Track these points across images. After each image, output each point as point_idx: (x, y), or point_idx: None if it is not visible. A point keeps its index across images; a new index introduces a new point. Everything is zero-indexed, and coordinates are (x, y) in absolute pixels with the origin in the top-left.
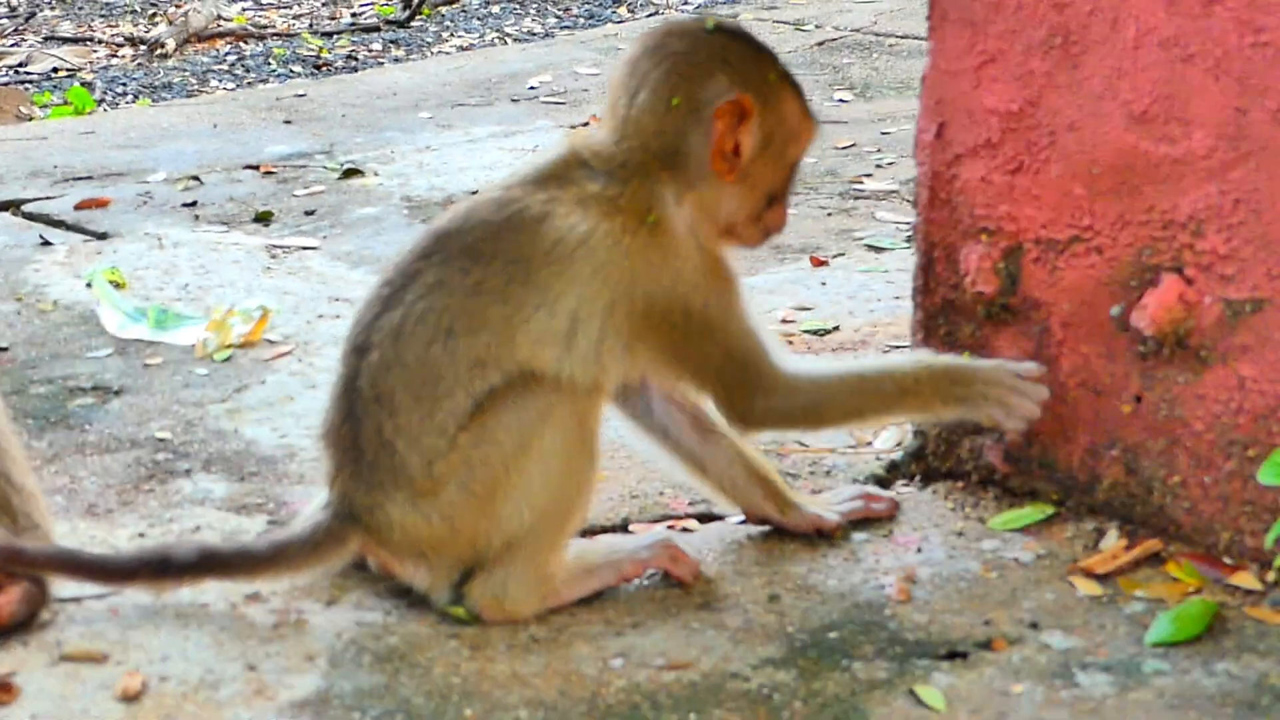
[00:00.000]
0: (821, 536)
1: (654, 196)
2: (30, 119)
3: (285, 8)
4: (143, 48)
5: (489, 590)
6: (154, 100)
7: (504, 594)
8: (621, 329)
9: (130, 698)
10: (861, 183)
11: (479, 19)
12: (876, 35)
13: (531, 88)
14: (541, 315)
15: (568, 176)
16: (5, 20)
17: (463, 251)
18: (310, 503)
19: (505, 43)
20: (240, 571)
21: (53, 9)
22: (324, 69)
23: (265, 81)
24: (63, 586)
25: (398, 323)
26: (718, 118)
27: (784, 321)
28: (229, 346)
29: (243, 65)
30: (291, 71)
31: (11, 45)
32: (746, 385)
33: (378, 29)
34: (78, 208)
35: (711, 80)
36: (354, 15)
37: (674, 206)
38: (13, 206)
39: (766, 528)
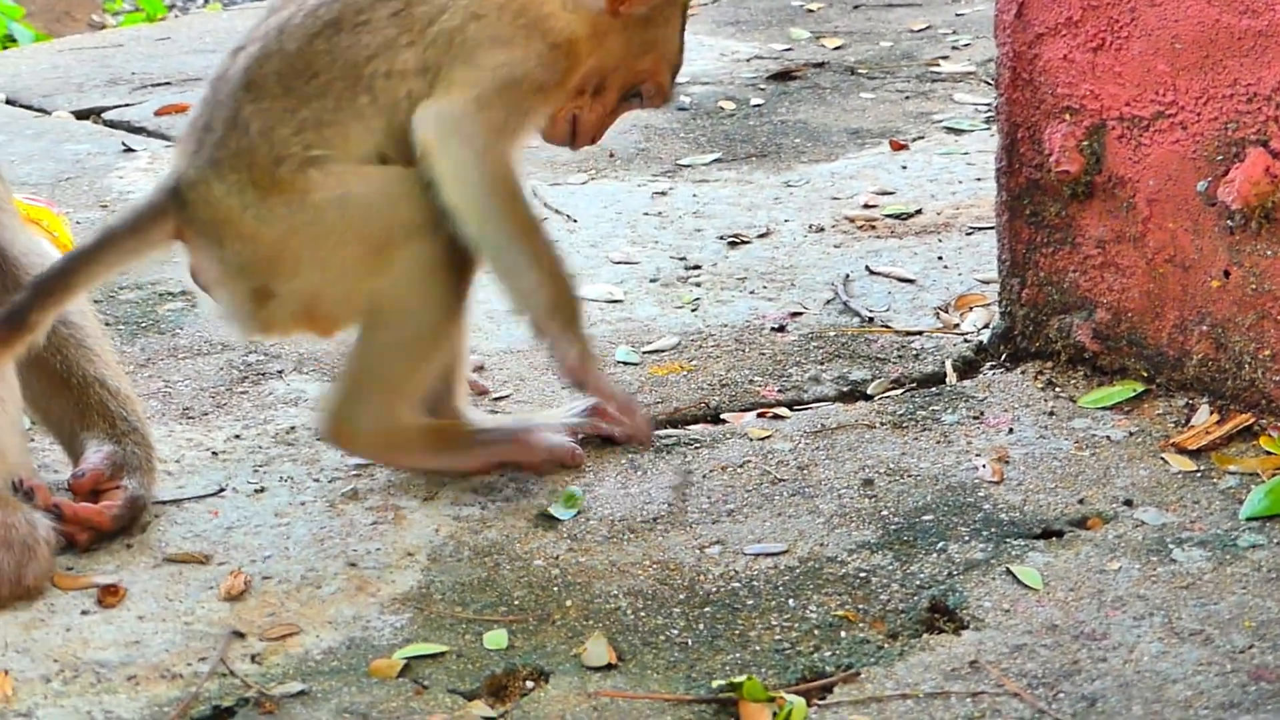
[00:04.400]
0: None
1: None
2: (103, 27)
3: None
4: None
5: (338, 407)
6: (225, 5)
7: (348, 415)
8: (486, 6)
9: (234, 597)
10: (938, 65)
11: None
12: None
13: None
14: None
15: None
16: None
17: None
18: None
19: None
20: (78, 273)
21: None
22: None
23: None
24: (163, 490)
25: (285, 18)
26: None
27: (866, 206)
28: None
29: None
30: None
31: None
32: (487, 108)
33: None
34: (158, 114)
35: None
36: None
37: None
38: (94, 114)
39: (857, 412)
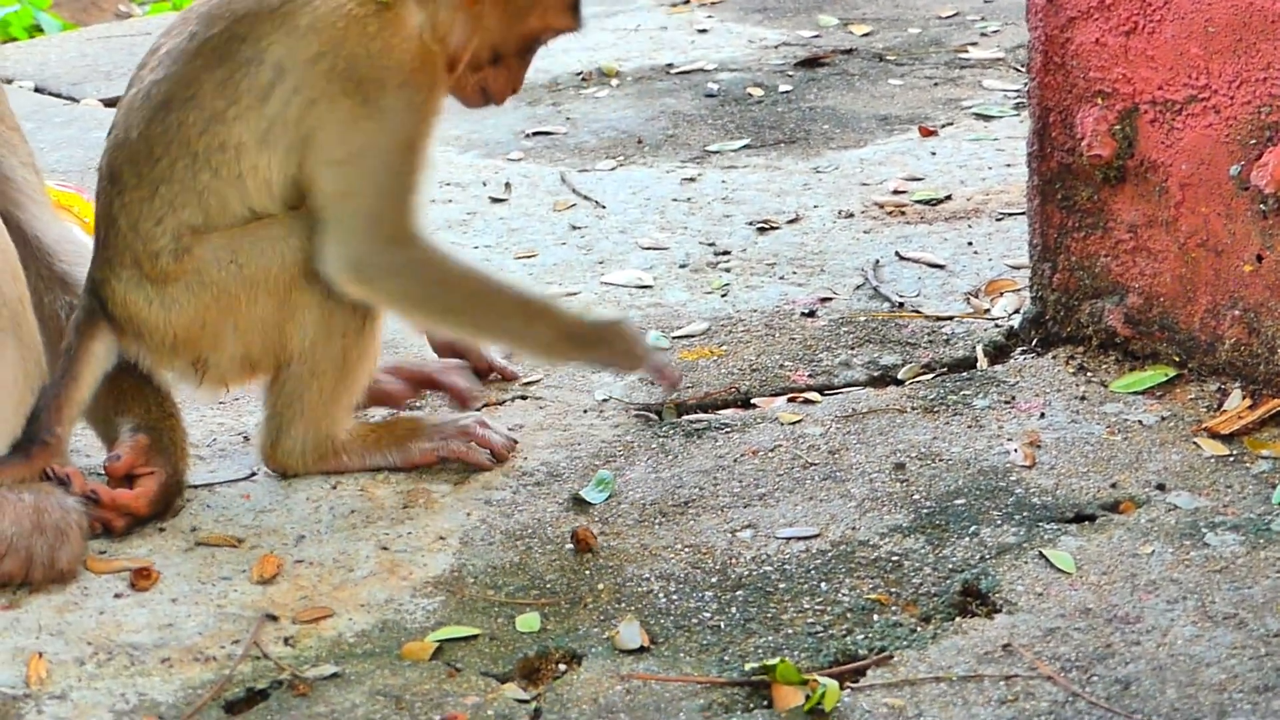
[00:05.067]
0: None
1: None
2: (129, 16)
3: None
4: None
5: (269, 436)
6: None
7: (278, 442)
8: (316, 84)
9: (267, 580)
10: (966, 51)
11: None
12: None
13: None
14: (251, 71)
15: None
16: None
17: (198, 19)
18: None
19: None
20: (60, 405)
21: None
22: None
23: None
24: (196, 474)
25: (132, 100)
26: None
27: (895, 192)
28: None
29: None
30: None
31: None
32: (381, 222)
33: None
34: None
35: None
36: None
37: (413, 4)
38: None
39: (888, 397)
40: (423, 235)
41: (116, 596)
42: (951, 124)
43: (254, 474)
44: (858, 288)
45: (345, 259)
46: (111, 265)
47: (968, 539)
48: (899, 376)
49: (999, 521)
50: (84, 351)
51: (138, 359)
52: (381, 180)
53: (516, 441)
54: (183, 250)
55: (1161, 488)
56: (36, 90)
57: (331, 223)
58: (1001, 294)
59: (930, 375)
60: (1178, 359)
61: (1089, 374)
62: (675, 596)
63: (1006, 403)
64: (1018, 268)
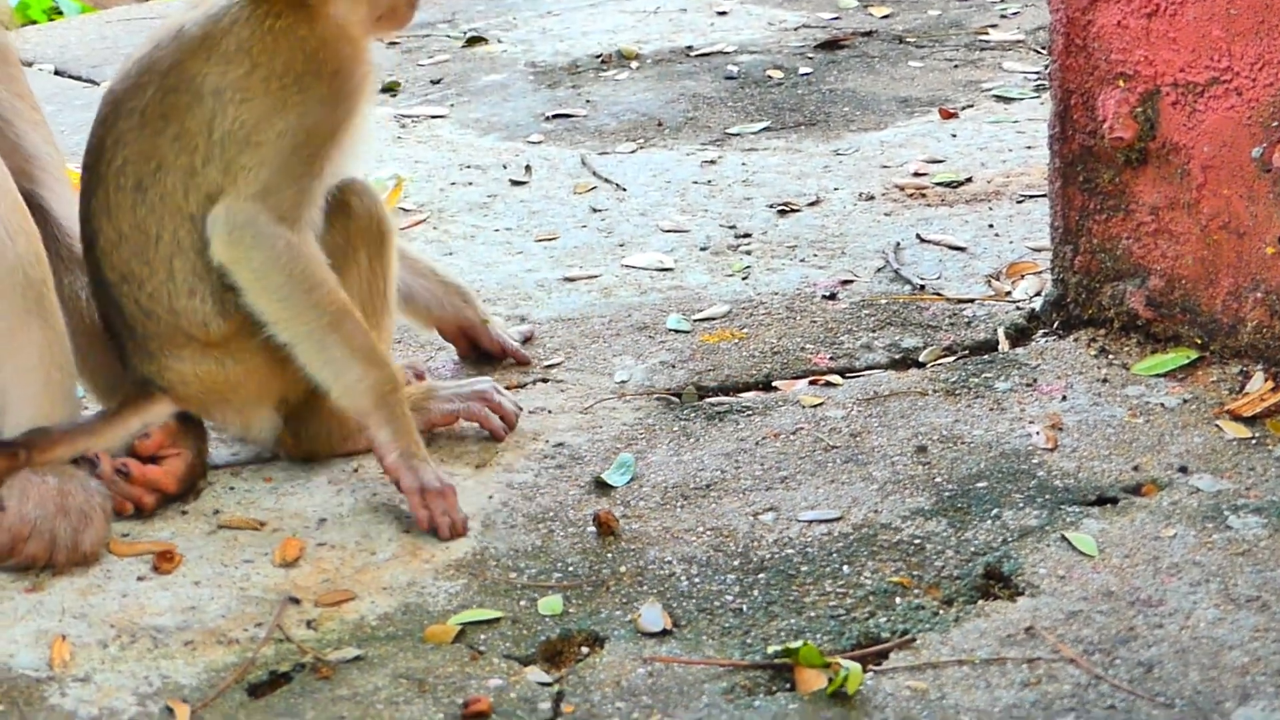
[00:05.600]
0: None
1: None
2: None
3: None
4: None
5: (291, 430)
6: None
7: (300, 432)
8: (252, 88)
9: (289, 563)
10: (987, 34)
11: None
12: None
13: None
14: (194, 111)
15: None
16: None
17: (126, 94)
18: None
19: None
20: (58, 443)
21: None
22: None
23: None
24: (218, 456)
25: (103, 200)
26: None
27: (916, 175)
28: None
29: None
30: None
31: None
32: (276, 196)
33: None
34: None
35: None
36: None
37: None
38: None
39: (909, 379)
40: (308, 228)
41: (139, 579)
42: (972, 106)
43: (276, 456)
44: (879, 270)
45: (231, 217)
46: (165, 353)
47: (990, 522)
48: (920, 359)
49: (1021, 504)
50: (128, 415)
51: (226, 425)
52: (291, 160)
53: (521, 408)
54: (227, 308)
55: (1184, 470)
56: (57, 73)
57: (230, 189)
58: (1023, 276)
59: (952, 358)
60: (1199, 341)
61: (1111, 356)
62: (697, 579)
63: (1028, 385)
64: (1039, 250)
